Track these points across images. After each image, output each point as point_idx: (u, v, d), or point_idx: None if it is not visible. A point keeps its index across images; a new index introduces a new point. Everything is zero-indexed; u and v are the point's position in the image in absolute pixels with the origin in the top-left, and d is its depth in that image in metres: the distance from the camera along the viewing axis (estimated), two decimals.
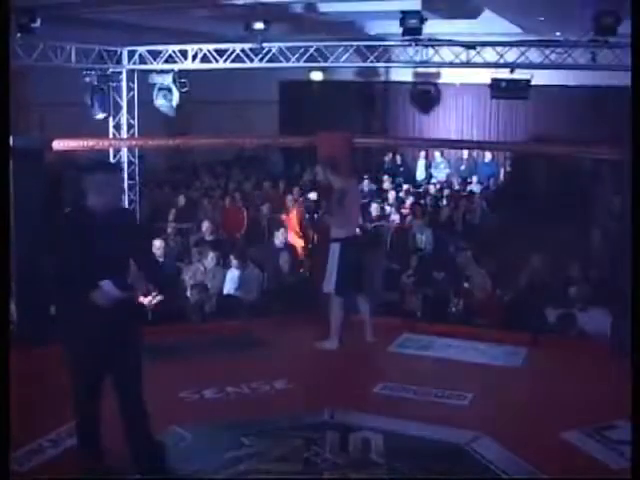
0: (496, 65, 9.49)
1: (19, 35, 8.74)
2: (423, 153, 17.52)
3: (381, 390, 7.01)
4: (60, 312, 4.96)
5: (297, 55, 9.99)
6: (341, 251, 7.88)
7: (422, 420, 6.28)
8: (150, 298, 9.02)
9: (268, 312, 9.43)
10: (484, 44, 9.48)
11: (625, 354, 6.81)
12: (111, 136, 11.25)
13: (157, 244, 10.19)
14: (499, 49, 9.33)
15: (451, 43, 9.63)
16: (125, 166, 11.27)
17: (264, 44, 9.81)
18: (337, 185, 7.84)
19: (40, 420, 6.12)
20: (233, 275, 10.00)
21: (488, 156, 16.62)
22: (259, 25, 9.42)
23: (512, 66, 9.40)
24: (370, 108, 17.37)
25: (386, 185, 15.85)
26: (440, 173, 17.37)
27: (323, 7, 11.55)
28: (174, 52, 10.58)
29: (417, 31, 9.10)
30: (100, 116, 10.91)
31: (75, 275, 4.59)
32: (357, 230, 8.04)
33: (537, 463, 5.53)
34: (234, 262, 10.05)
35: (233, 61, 10.24)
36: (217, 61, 10.34)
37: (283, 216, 12.89)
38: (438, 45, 9.58)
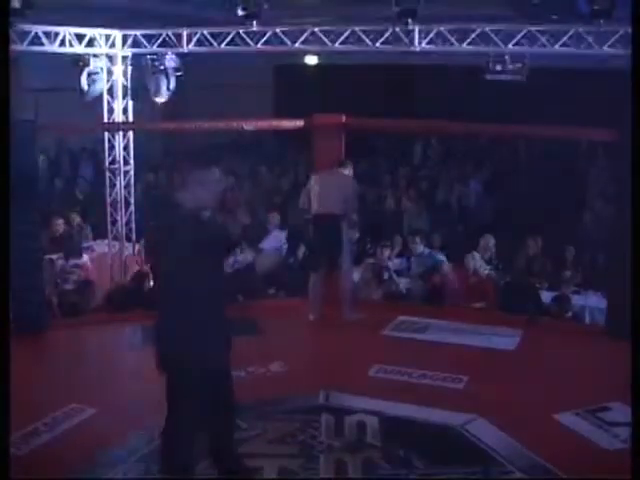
0: (492, 47, 9.45)
1: (12, 20, 8.70)
2: (419, 136, 17.43)
3: (376, 373, 7.04)
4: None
5: (292, 39, 9.94)
6: (311, 229, 8.36)
7: (417, 403, 6.31)
8: None
9: (264, 294, 9.45)
10: (479, 26, 9.43)
11: (619, 336, 6.88)
12: (105, 120, 11.21)
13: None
14: (495, 32, 9.28)
15: (446, 26, 9.59)
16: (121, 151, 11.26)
17: (258, 27, 9.75)
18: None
19: (36, 404, 6.15)
20: None
21: None
22: (254, 9, 9.37)
23: (507, 48, 9.37)
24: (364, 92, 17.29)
25: (381, 168, 15.83)
26: (436, 156, 17.33)
27: None
28: (168, 36, 10.52)
29: (412, 13, 9.05)
30: (93, 99, 10.87)
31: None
32: (330, 209, 8.13)
33: (531, 445, 5.57)
34: None
35: (228, 45, 10.19)
36: (212, 45, 10.30)
37: None
38: (433, 28, 9.52)
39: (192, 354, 4.35)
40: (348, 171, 8.60)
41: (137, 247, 11.14)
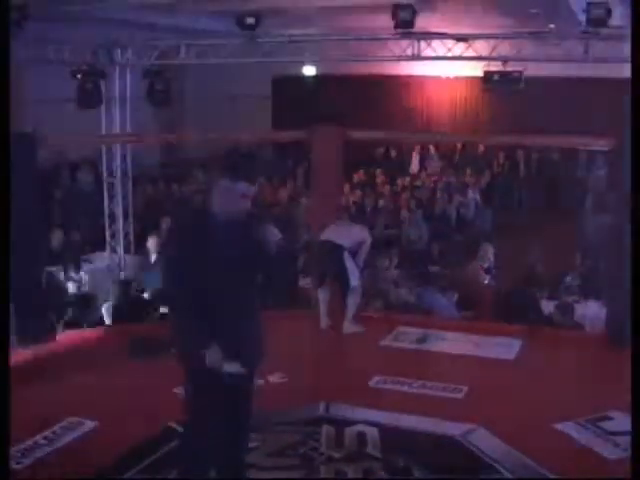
0: (489, 58, 9.48)
1: (12, 32, 8.71)
2: (417, 146, 17.44)
3: (376, 384, 7.03)
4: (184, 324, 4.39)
5: (289, 50, 9.96)
6: (315, 253, 8.92)
7: (417, 413, 6.29)
8: None
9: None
10: (476, 37, 9.45)
11: (620, 345, 6.87)
12: (104, 132, 11.22)
13: (151, 241, 10.33)
14: (492, 41, 9.30)
15: (443, 36, 9.61)
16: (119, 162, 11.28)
17: (256, 39, 9.77)
18: None
19: (36, 417, 6.13)
20: None
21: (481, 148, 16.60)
22: (251, 20, 9.39)
23: (505, 59, 9.38)
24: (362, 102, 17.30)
25: (380, 179, 15.82)
26: (434, 166, 17.31)
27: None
28: (167, 48, 10.54)
29: (409, 24, 9.08)
30: (92, 112, 10.88)
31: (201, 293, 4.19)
32: (335, 239, 8.51)
33: (532, 454, 5.54)
34: None
35: (226, 56, 10.20)
36: (210, 56, 10.31)
37: None
38: (430, 38, 9.54)
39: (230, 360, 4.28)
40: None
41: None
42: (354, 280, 8.44)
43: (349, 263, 8.39)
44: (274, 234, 4.37)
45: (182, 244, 4.29)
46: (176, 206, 13.18)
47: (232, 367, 4.23)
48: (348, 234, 8.61)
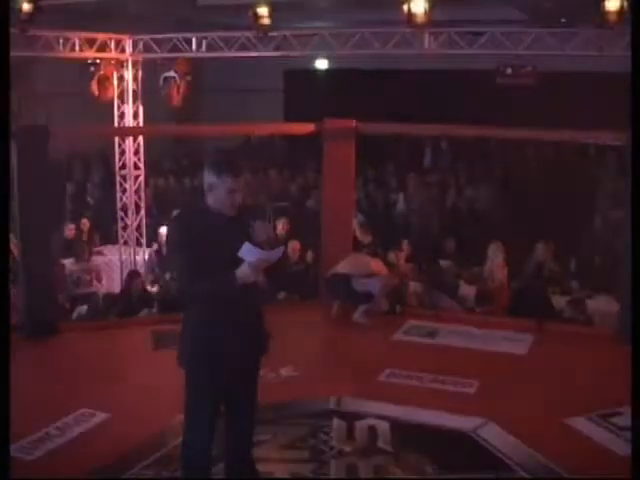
0: (502, 51, 9.44)
1: (23, 26, 8.73)
2: (429, 140, 17.35)
3: (387, 377, 7.04)
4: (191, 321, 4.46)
5: (303, 43, 9.96)
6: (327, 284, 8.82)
7: (428, 407, 6.30)
8: None
9: (274, 298, 9.45)
10: (490, 30, 9.41)
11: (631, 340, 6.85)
12: (116, 125, 11.26)
13: (163, 231, 10.36)
14: (505, 35, 9.27)
15: (456, 30, 9.58)
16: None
17: (269, 33, 9.76)
18: None
19: (47, 408, 6.16)
20: None
21: None
22: (264, 13, 9.38)
23: (517, 52, 9.35)
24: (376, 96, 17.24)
25: (391, 172, 15.78)
26: (445, 160, 17.25)
27: None
28: (178, 41, 10.55)
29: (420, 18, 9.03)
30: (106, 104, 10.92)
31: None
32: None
33: (543, 450, 5.54)
34: None
35: (238, 49, 10.21)
36: (222, 50, 10.31)
37: None
38: (443, 32, 9.51)
39: (234, 354, 4.32)
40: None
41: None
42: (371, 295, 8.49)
43: (360, 287, 8.43)
44: (265, 231, 4.34)
45: (183, 241, 4.29)
46: (186, 200, 13.21)
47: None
48: (360, 266, 8.60)
